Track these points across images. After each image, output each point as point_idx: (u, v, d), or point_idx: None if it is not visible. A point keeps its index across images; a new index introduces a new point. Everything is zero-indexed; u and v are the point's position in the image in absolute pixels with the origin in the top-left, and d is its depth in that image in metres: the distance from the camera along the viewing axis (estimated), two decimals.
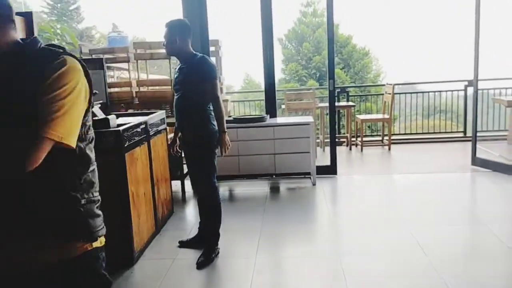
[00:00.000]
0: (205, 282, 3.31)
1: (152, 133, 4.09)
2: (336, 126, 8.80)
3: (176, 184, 5.49)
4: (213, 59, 5.84)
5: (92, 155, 1.53)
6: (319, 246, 3.78)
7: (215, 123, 3.49)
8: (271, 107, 5.75)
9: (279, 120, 5.64)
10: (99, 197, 1.57)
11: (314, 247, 3.76)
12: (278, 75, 22.47)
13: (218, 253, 3.61)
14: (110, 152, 3.38)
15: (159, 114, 4.37)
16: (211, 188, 3.53)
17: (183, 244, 3.82)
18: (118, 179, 3.38)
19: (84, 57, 5.87)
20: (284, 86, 19.19)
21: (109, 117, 3.56)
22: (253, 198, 5.17)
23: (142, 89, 5.89)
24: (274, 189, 5.48)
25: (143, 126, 3.86)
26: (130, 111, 5.64)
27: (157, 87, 5.86)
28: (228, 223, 4.34)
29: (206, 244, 3.59)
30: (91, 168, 1.51)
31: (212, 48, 5.78)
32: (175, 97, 3.53)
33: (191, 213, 4.78)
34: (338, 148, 7.77)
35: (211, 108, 3.48)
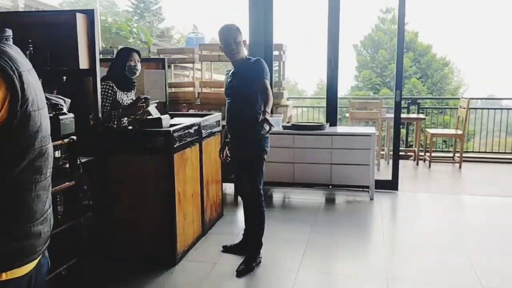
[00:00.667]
0: None
1: (205, 134, 4.09)
2: (405, 139, 8.42)
3: (230, 187, 5.50)
4: (275, 64, 5.79)
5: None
6: (367, 266, 3.56)
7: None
8: (331, 115, 5.57)
9: (339, 129, 5.44)
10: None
11: (362, 267, 3.54)
12: (351, 82, 21.98)
13: (260, 262, 3.52)
14: (159, 151, 3.41)
15: (214, 116, 4.36)
16: (257, 195, 3.45)
17: (226, 249, 3.77)
18: (166, 179, 3.39)
19: (152, 57, 6.04)
20: (356, 94, 18.71)
21: (162, 116, 3.60)
22: (305, 207, 5.02)
23: (204, 90, 5.95)
24: (329, 200, 5.29)
25: (195, 127, 3.86)
26: (191, 111, 5.72)
27: (218, 89, 5.88)
28: (275, 231, 4.25)
29: (248, 252, 3.51)
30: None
31: (275, 53, 5.70)
32: (228, 101, 3.49)
33: (240, 217, 4.71)
34: (404, 162, 7.46)
35: None
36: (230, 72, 3.48)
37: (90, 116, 3.48)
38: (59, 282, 3.07)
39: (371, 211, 4.89)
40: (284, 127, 5.31)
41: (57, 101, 3.01)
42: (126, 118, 3.80)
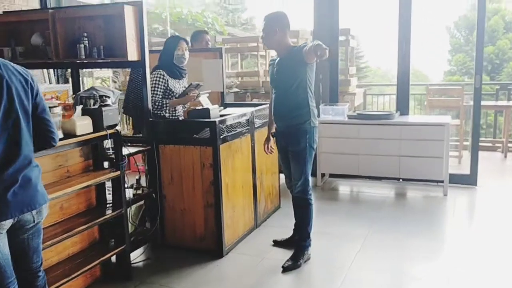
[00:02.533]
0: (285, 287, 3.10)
1: (259, 125, 3.98)
2: (493, 129, 7.67)
3: None
4: (341, 49, 5.50)
5: None
6: (429, 270, 3.23)
7: (315, 119, 3.26)
8: (402, 103, 5.17)
9: (410, 118, 5.04)
10: None
11: (423, 270, 3.23)
12: (444, 66, 20.55)
13: (309, 258, 3.37)
14: (205, 142, 3.37)
15: (261, 108, 4.23)
16: (304, 186, 3.29)
17: (277, 243, 3.66)
18: (212, 169, 3.35)
19: (214, 47, 6.03)
20: (449, 79, 17.48)
21: (211, 107, 3.56)
22: (369, 201, 4.74)
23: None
24: (397, 195, 4.95)
25: (246, 117, 3.77)
26: (255, 100, 5.64)
27: None
28: (332, 226, 4.06)
29: (295, 247, 3.37)
30: None
31: (342, 38, 5.42)
32: (273, 92, 3.36)
33: None
34: (491, 154, 6.79)
35: (313, 103, 3.26)
36: (275, 62, 3.33)
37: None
38: (109, 269, 3.19)
39: (442, 208, 4.48)
40: (349, 117, 5.04)
41: (104, 93, 3.08)
42: (181, 107, 3.82)
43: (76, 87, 3.68)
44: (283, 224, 4.11)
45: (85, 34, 3.40)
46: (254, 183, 3.92)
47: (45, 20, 3.42)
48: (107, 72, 6.50)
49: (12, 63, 1.98)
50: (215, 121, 3.31)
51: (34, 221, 1.98)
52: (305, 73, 3.15)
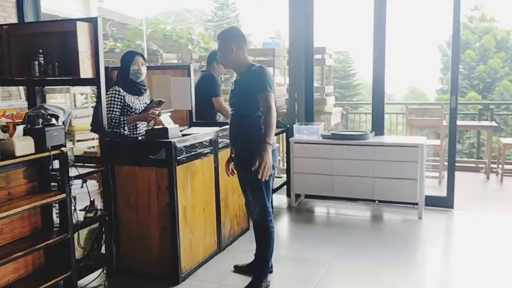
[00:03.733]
0: None
1: (223, 145, 3.86)
2: (476, 150, 7.57)
3: None
4: (317, 68, 5.42)
5: None
6: None
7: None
8: (377, 123, 5.07)
9: (385, 139, 4.93)
10: None
11: None
12: (436, 85, 20.55)
13: (267, 286, 3.21)
14: (162, 163, 3.24)
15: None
16: (263, 214, 3.14)
17: (238, 269, 3.51)
18: (168, 192, 3.22)
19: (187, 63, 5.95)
20: (440, 98, 17.45)
21: (170, 126, 3.44)
22: (342, 224, 4.60)
23: None
24: (371, 217, 4.81)
25: (209, 137, 3.66)
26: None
27: None
28: (298, 250, 3.92)
29: (253, 275, 3.22)
30: None
31: (318, 56, 5.34)
32: (231, 112, 3.23)
33: None
34: (474, 175, 6.68)
35: None
36: (233, 80, 3.24)
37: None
38: None
39: (416, 232, 4.34)
40: (324, 136, 4.93)
41: (54, 112, 2.96)
42: (143, 125, 3.69)
43: (32, 105, 3.56)
44: (250, 248, 3.90)
45: (41, 51, 3.29)
46: (217, 205, 3.78)
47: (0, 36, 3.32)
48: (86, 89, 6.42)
49: None
50: (170, 141, 3.19)
51: None
52: (257, 103, 3.04)
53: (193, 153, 3.46)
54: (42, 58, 3.29)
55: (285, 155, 5.73)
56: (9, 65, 3.32)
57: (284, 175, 5.65)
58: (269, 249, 3.20)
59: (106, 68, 3.67)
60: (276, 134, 5.35)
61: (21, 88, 5.51)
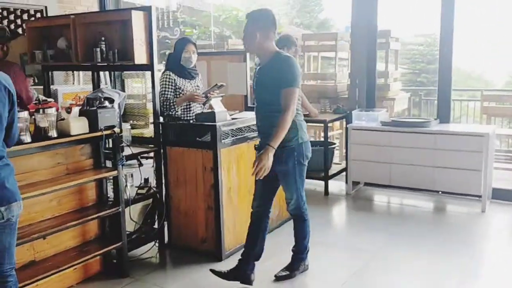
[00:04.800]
0: None
1: None
2: None
3: (317, 184, 5.21)
4: (380, 53, 5.24)
5: None
6: None
7: (304, 134, 3.01)
8: (443, 110, 4.80)
9: (449, 127, 4.67)
10: None
11: None
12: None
13: (305, 269, 3.25)
14: (207, 145, 3.38)
15: None
16: (299, 203, 3.08)
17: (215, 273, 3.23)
18: (212, 173, 3.36)
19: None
20: None
21: (218, 110, 3.56)
22: (395, 213, 4.48)
23: (306, 82, 5.73)
24: (429, 208, 4.62)
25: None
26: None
27: (319, 81, 5.60)
28: (344, 236, 3.93)
29: (292, 258, 3.26)
30: None
31: (382, 40, 5.16)
32: (255, 103, 3.05)
33: (318, 217, 4.40)
34: None
35: (300, 117, 3.00)
36: (257, 68, 3.05)
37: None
38: (110, 265, 3.32)
39: (474, 226, 4.11)
40: (384, 123, 4.79)
41: (110, 95, 3.21)
42: (197, 108, 3.83)
43: (96, 88, 3.87)
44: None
45: (103, 39, 3.57)
46: None
47: (68, 26, 3.65)
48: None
49: None
50: (215, 125, 3.31)
51: (3, 217, 2.07)
52: (279, 96, 2.83)
53: (239, 136, 3.56)
54: (104, 45, 3.56)
55: (344, 142, 5.64)
56: (75, 52, 3.64)
57: (344, 162, 5.58)
58: (306, 235, 3.22)
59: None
60: (335, 120, 5.33)
61: (102, 73, 5.96)
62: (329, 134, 5.95)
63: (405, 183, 4.75)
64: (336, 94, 5.54)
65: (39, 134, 2.72)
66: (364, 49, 5.02)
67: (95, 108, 2.99)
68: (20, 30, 5.72)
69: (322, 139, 5.32)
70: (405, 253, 3.55)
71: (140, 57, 3.38)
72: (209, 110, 3.64)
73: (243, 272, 3.08)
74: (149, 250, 3.62)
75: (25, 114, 2.59)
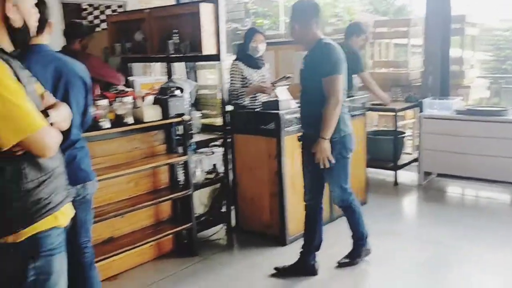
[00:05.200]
0: (332, 283, 3.07)
1: None
2: None
3: (386, 174, 5.12)
4: (455, 38, 5.02)
5: None
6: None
7: (346, 127, 2.96)
8: None
9: None
10: None
11: None
12: None
13: (367, 254, 3.23)
14: (271, 133, 3.48)
15: (354, 99, 4.13)
16: (343, 197, 3.07)
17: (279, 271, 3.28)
18: (276, 160, 3.45)
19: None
20: None
21: (283, 99, 3.63)
22: (468, 205, 4.34)
23: (377, 70, 5.62)
24: (505, 201, 4.39)
25: None
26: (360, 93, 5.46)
27: (391, 69, 5.47)
28: (411, 227, 3.86)
29: (353, 246, 3.25)
30: None
31: (457, 25, 4.93)
32: (301, 93, 3.05)
33: (386, 207, 4.35)
34: None
35: (342, 107, 2.89)
36: (303, 57, 3.04)
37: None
38: (181, 244, 3.54)
39: None
40: (458, 112, 4.60)
41: (180, 85, 3.41)
42: (264, 97, 3.93)
43: (169, 79, 4.10)
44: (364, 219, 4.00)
45: (175, 31, 3.77)
46: None
47: (143, 19, 3.89)
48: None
49: (74, 62, 2.33)
50: (278, 113, 3.39)
51: (79, 195, 2.28)
52: (320, 84, 2.82)
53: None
54: (177, 37, 3.76)
55: (416, 131, 5.48)
56: (150, 44, 3.87)
57: (416, 152, 5.43)
58: (359, 222, 3.19)
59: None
60: (406, 109, 5.19)
61: (175, 64, 6.24)
62: (402, 123, 5.81)
63: (480, 174, 4.53)
64: (408, 82, 5.39)
65: (117, 120, 2.96)
66: (438, 35, 4.83)
67: (166, 97, 3.19)
68: (105, 25, 6.14)
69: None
70: (478, 246, 3.43)
71: (208, 48, 3.54)
72: (274, 99, 3.71)
73: (307, 264, 3.13)
74: (217, 232, 3.80)
75: (104, 102, 2.84)
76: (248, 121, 3.68)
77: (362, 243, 3.23)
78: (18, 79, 1.46)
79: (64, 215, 1.64)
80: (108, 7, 6.52)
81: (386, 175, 5.14)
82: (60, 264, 1.62)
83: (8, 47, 1.54)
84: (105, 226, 3.08)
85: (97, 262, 2.65)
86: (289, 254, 3.34)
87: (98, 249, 2.94)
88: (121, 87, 3.81)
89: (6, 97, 1.39)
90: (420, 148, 4.85)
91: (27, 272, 1.51)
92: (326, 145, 2.80)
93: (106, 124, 2.84)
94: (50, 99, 1.71)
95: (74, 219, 2.30)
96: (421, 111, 4.98)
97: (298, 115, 3.53)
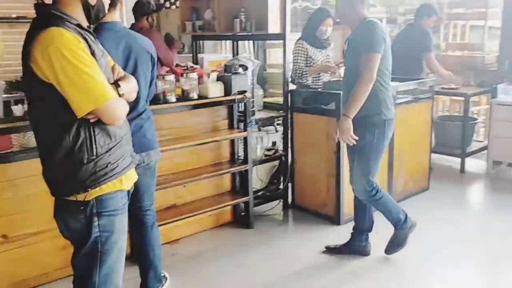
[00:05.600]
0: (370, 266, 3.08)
1: (404, 100, 3.86)
2: None
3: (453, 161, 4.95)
4: None
5: None
6: None
7: (388, 111, 2.86)
8: None
9: None
10: None
11: None
12: None
13: (413, 226, 3.06)
14: (331, 113, 3.49)
15: (421, 82, 4.03)
16: (366, 190, 2.92)
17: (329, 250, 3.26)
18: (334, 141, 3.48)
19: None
20: None
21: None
22: None
23: (451, 52, 5.39)
24: None
25: None
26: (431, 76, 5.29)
27: (466, 52, 5.21)
28: (472, 216, 3.76)
29: (394, 232, 3.10)
30: None
31: None
32: (344, 76, 3.05)
33: (449, 194, 4.24)
34: None
35: (386, 93, 2.84)
36: (346, 39, 3.00)
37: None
38: (238, 216, 3.70)
39: None
40: None
41: (244, 63, 3.51)
42: (327, 77, 3.95)
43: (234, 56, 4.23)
44: (423, 205, 3.95)
45: (242, 10, 3.87)
46: (389, 159, 3.85)
47: None
48: None
49: (142, 37, 2.50)
50: (339, 93, 3.39)
51: (144, 162, 2.46)
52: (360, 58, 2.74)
53: None
54: (243, 16, 3.86)
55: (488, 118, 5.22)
56: (218, 23, 4.01)
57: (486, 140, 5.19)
58: (389, 210, 3.03)
59: None
60: (477, 94, 4.96)
61: (246, 43, 6.36)
62: (475, 109, 5.56)
63: None
64: (483, 66, 5.11)
65: (182, 95, 3.13)
66: None
67: (230, 74, 3.31)
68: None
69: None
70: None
71: (273, 26, 3.61)
72: (337, 79, 3.72)
73: (357, 245, 3.15)
74: (273, 208, 3.92)
75: (171, 77, 3.02)
76: (309, 100, 3.72)
77: (403, 227, 3.05)
78: (93, 53, 1.61)
79: (128, 179, 1.79)
80: None
81: (453, 162, 4.98)
82: (121, 224, 1.77)
83: (84, 22, 1.69)
84: (169, 194, 3.30)
85: (160, 225, 2.89)
86: (343, 234, 3.38)
87: (162, 214, 3.19)
88: (189, 64, 4.01)
89: (82, 69, 1.53)
90: (489, 135, 4.64)
91: (92, 228, 1.67)
92: (349, 124, 2.73)
93: (172, 98, 3.02)
94: (120, 71, 1.85)
95: (138, 184, 2.52)
96: (494, 97, 4.75)
97: None
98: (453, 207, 3.95)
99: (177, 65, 3.96)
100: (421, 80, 4.05)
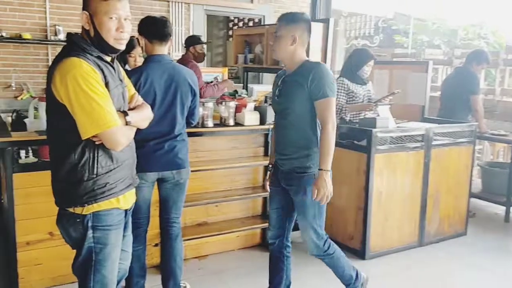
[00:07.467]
0: None
1: (440, 142, 3.87)
2: None
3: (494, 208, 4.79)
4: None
5: None
6: None
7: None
8: None
9: None
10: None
11: None
12: None
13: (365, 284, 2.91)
14: (363, 149, 3.60)
15: (462, 125, 4.01)
16: (318, 243, 2.69)
17: None
18: (365, 175, 3.57)
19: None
20: None
21: (381, 117, 3.72)
22: None
23: (506, 98, 5.27)
24: None
25: (420, 132, 3.76)
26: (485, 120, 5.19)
27: None
28: (504, 265, 3.62)
29: None
30: None
31: None
32: (276, 119, 2.72)
33: (487, 241, 4.11)
34: None
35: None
36: (280, 79, 2.64)
37: None
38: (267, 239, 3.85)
39: None
40: None
41: None
42: (366, 113, 4.05)
43: None
44: (455, 250, 3.89)
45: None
46: (423, 200, 3.85)
47: (263, 34, 4.33)
48: None
49: (184, 69, 2.79)
50: (371, 130, 3.50)
51: (174, 178, 2.71)
52: (311, 110, 2.52)
53: (398, 144, 3.66)
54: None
55: None
56: (265, 57, 4.29)
57: None
58: (344, 267, 2.80)
59: None
60: None
61: None
62: None
63: None
64: None
65: (220, 121, 3.40)
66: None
67: (266, 104, 3.54)
68: None
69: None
70: None
71: None
72: (373, 116, 3.81)
73: None
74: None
75: (210, 104, 3.30)
76: (344, 135, 3.84)
77: (355, 285, 2.83)
78: (107, 84, 1.80)
79: (126, 200, 1.94)
80: (251, 19, 7.20)
81: (500, 209, 4.82)
82: (115, 239, 1.91)
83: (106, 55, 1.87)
84: (201, 211, 3.55)
85: (190, 239, 3.13)
86: (367, 268, 3.42)
87: (193, 230, 3.45)
88: (242, 91, 4.29)
89: (92, 96, 1.71)
90: None
91: (87, 239, 1.84)
92: (327, 178, 2.49)
93: (209, 123, 3.29)
94: (138, 100, 2.07)
95: (168, 197, 2.78)
96: None
97: (393, 134, 3.63)
98: (489, 255, 3.85)
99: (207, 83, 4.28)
100: (459, 124, 4.04)
